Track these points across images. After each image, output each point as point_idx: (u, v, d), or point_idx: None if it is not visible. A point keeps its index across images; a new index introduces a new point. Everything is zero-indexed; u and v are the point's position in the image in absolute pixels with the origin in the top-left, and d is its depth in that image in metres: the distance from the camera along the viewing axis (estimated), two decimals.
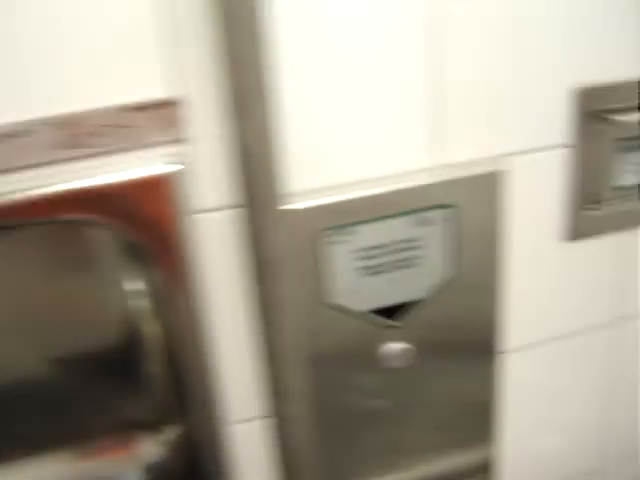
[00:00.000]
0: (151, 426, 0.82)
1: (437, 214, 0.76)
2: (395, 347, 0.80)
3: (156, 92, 0.65)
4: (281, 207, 0.67)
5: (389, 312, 0.79)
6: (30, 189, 0.63)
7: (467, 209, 0.77)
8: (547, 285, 0.86)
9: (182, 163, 0.67)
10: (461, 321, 0.82)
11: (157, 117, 0.67)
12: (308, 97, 0.68)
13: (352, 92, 0.70)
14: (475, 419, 0.90)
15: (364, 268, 0.76)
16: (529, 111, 0.77)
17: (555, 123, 0.78)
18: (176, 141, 0.68)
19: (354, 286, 0.76)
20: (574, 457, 1.00)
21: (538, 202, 0.81)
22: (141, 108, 0.66)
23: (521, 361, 0.89)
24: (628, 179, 0.84)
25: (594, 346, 0.93)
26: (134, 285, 0.73)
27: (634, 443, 1.04)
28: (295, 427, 0.75)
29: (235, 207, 0.68)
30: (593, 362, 0.94)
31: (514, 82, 0.75)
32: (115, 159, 0.66)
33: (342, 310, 0.77)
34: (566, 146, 0.80)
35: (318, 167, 0.71)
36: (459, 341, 0.84)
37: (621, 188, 0.84)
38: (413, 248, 0.77)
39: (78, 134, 0.65)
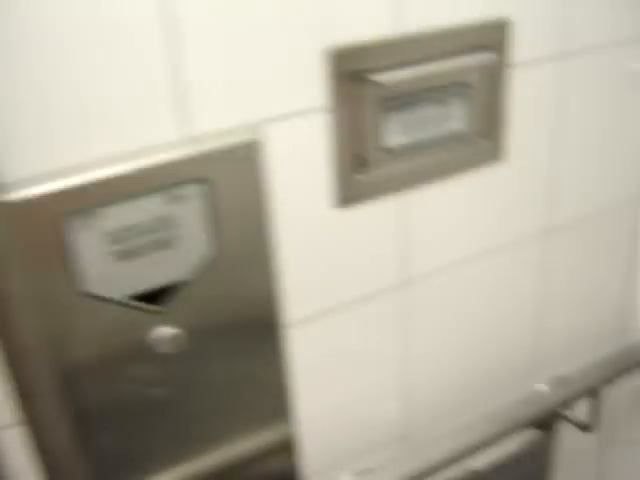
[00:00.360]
0: None
1: (191, 190, 0.72)
2: (164, 332, 0.76)
3: None
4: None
5: (153, 297, 0.74)
6: None
7: (224, 182, 0.73)
8: (325, 253, 0.84)
9: None
10: (234, 299, 0.79)
11: None
12: (22, 73, 0.62)
13: (75, 61, 0.63)
14: (267, 398, 0.87)
15: (117, 252, 0.71)
16: (283, 76, 0.73)
17: (312, 86, 0.75)
18: None
19: (109, 273, 0.71)
20: (375, 425, 0.99)
21: (303, 169, 0.78)
22: None
23: (309, 333, 0.87)
24: (395, 140, 0.82)
25: (383, 310, 0.92)
26: None
27: (436, 407, 1.04)
28: (51, 430, 0.70)
29: None
30: (384, 326, 0.93)
31: (263, 45, 0.71)
32: None
33: (99, 299, 0.71)
34: (326, 110, 0.77)
35: (48, 149, 0.65)
36: (236, 319, 0.80)
37: (389, 149, 0.82)
38: (169, 227, 0.72)
39: None
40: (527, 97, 0.91)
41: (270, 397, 0.87)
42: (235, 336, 0.81)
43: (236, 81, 0.71)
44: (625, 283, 1.21)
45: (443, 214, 0.91)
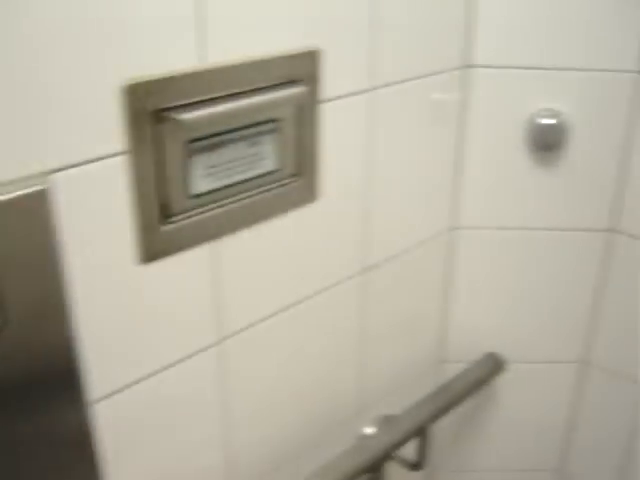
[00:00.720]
0: None
1: None
2: None
3: None
4: None
5: None
6: None
7: (3, 242, 0.61)
8: (132, 315, 0.74)
9: None
10: (28, 377, 0.67)
11: None
12: None
13: None
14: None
15: None
16: (72, 116, 0.63)
17: (107, 128, 0.66)
18: None
19: None
20: None
21: (101, 223, 0.68)
22: None
23: (120, 403, 0.76)
24: (204, 184, 0.74)
25: (201, 367, 0.83)
26: None
27: (262, 462, 0.97)
28: None
29: None
30: (202, 384, 0.85)
31: (46, 82, 0.60)
32: None
33: None
34: (124, 154, 0.67)
35: None
36: (32, 400, 0.68)
37: (197, 195, 0.74)
38: None
39: None
40: (340, 132, 0.87)
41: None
42: (32, 419, 0.69)
43: (15, 124, 0.60)
44: (440, 315, 1.21)
45: (259, 261, 0.84)
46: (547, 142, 1.08)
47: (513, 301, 1.20)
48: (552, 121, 1.07)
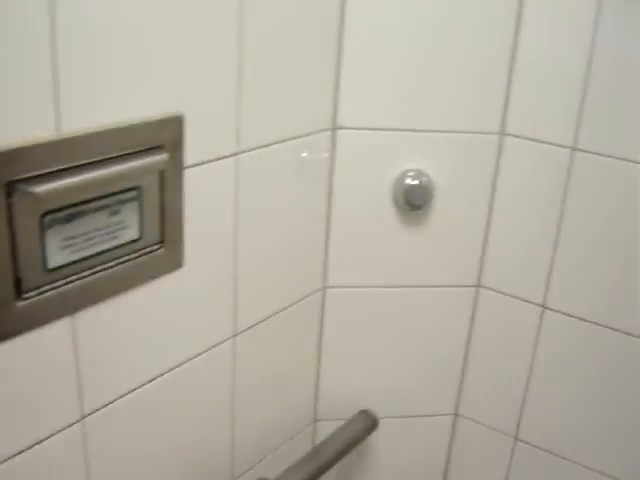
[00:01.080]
0: None
1: None
2: None
3: None
4: None
5: None
6: None
7: None
8: None
9: None
10: None
11: None
12: None
13: None
14: None
15: None
16: None
17: None
18: None
19: None
20: None
21: None
22: None
23: None
24: (61, 257, 0.71)
25: (64, 450, 0.79)
26: None
27: None
28: None
29: None
30: (65, 468, 0.80)
31: None
32: None
33: None
34: None
35: None
36: None
37: (54, 269, 0.71)
38: None
39: None
40: (205, 198, 0.86)
41: None
42: None
43: None
44: (313, 374, 1.20)
45: (123, 332, 0.81)
46: (413, 202, 1.11)
47: (385, 357, 1.21)
48: (417, 181, 1.09)
